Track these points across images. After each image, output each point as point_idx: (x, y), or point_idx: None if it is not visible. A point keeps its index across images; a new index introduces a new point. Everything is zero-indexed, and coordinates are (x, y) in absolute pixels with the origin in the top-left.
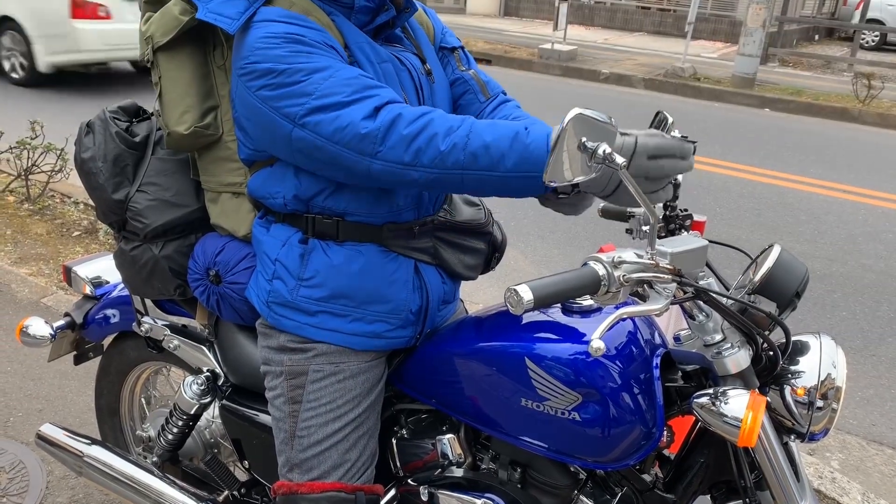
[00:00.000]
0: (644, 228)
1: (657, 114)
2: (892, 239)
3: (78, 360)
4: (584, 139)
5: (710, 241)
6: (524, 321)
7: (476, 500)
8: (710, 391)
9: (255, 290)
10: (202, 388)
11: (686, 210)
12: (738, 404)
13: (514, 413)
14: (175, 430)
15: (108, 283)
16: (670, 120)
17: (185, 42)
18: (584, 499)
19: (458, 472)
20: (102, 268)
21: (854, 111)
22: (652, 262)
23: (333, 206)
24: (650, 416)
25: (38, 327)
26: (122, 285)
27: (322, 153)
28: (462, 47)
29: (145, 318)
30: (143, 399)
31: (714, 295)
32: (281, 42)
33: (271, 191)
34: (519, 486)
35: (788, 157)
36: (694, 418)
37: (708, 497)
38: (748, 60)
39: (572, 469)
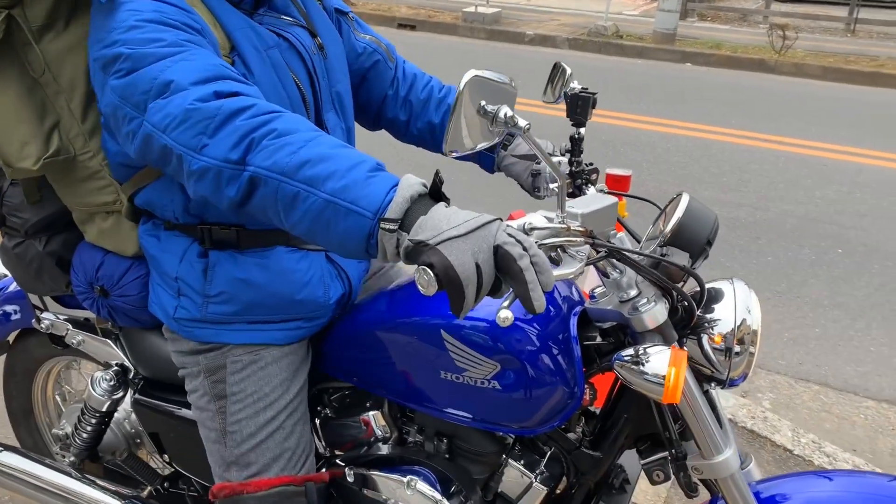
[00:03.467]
0: (552, 187)
1: (555, 66)
2: (810, 185)
3: None
4: (483, 102)
5: (619, 194)
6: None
7: (403, 477)
8: (631, 351)
9: (159, 305)
10: (112, 383)
11: (591, 164)
12: (660, 362)
13: (435, 386)
14: (89, 427)
15: (6, 276)
16: (569, 71)
17: None
18: (513, 462)
19: (385, 449)
20: None
21: (771, 62)
22: (563, 225)
23: (230, 217)
24: (571, 376)
25: None
26: None
27: (152, 146)
28: (350, 12)
29: (45, 315)
30: (57, 396)
31: (627, 253)
32: (140, 22)
33: (158, 203)
34: (446, 456)
35: (711, 109)
36: (615, 374)
37: (634, 451)
38: (668, 16)
39: (499, 435)
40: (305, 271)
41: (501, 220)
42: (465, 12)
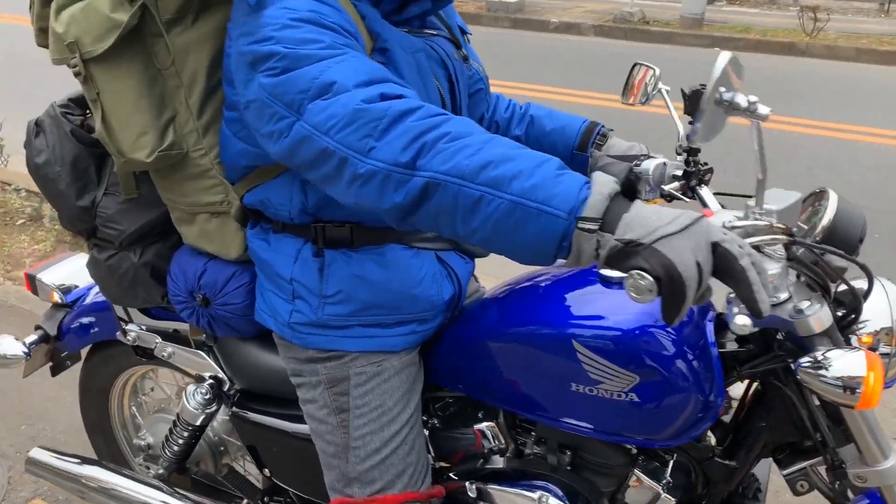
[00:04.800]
0: (672, 187)
1: (634, 66)
2: (846, 169)
3: (55, 371)
4: (722, 90)
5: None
6: (561, 298)
7: (531, 493)
8: (810, 357)
9: (270, 312)
10: (207, 396)
11: (706, 164)
12: (846, 366)
13: (564, 398)
14: (181, 441)
15: (76, 287)
16: (657, 71)
17: (124, 45)
18: (640, 473)
19: (502, 462)
20: (69, 271)
21: (801, 45)
22: (766, 222)
23: (348, 215)
24: (710, 385)
25: (9, 346)
26: (95, 289)
27: (306, 147)
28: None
29: (130, 327)
30: (133, 406)
31: (817, 249)
32: (296, 21)
33: (273, 202)
34: (568, 468)
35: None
36: (748, 381)
37: (769, 460)
38: (695, 1)
39: (626, 446)
40: (419, 268)
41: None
42: (488, 1)
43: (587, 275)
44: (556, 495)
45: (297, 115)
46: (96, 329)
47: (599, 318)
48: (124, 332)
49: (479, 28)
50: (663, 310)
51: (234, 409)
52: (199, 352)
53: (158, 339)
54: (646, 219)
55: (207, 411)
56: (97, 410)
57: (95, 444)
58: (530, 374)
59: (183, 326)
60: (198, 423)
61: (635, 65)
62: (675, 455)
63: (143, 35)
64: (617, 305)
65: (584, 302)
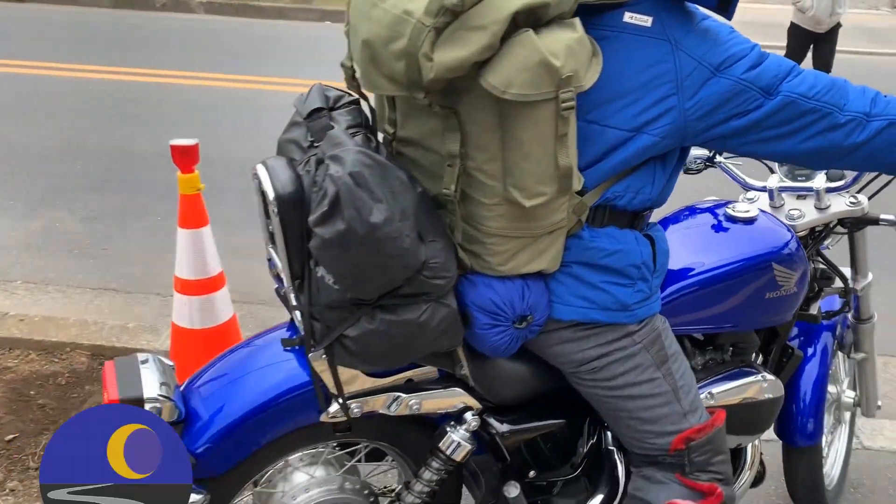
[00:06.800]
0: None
1: None
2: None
3: None
4: None
5: None
6: (728, 239)
7: (750, 378)
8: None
9: (597, 306)
10: (475, 426)
11: None
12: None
13: (757, 306)
14: (439, 482)
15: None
16: None
17: None
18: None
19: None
20: (147, 381)
21: None
22: None
23: (659, 197)
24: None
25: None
26: (206, 387)
27: (790, 111)
28: None
29: (350, 400)
30: None
31: None
32: (734, 29)
33: (637, 188)
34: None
35: None
36: None
37: None
38: None
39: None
40: None
41: None
42: None
43: (711, 217)
44: (763, 373)
45: (769, 93)
46: (259, 431)
47: (772, 240)
48: (345, 408)
49: (73, 9)
50: None
51: (507, 426)
52: (452, 387)
53: (400, 395)
54: None
55: (472, 444)
56: None
57: None
58: (729, 298)
59: (417, 372)
60: (461, 457)
61: None
62: None
63: None
64: (765, 230)
65: (745, 235)
